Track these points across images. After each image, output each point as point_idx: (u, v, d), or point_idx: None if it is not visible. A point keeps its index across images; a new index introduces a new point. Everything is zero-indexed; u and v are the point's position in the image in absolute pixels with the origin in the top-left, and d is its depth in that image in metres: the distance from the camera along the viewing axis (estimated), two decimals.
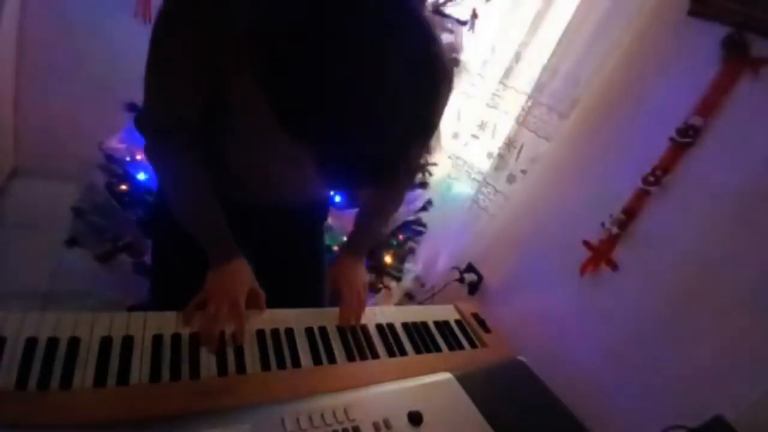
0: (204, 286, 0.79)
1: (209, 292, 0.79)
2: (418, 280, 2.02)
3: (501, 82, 1.76)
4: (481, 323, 1.05)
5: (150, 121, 0.75)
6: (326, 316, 0.90)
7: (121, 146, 1.45)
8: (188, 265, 0.81)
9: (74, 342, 0.67)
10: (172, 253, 0.94)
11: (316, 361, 0.80)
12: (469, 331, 1.03)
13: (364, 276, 0.99)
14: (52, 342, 0.65)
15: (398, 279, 1.87)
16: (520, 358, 0.95)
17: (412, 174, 1.03)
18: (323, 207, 1.15)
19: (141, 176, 1.41)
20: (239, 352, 0.75)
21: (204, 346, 0.73)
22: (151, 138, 0.77)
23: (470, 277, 1.77)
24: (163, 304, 0.80)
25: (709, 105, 1.15)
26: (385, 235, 1.67)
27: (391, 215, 1.15)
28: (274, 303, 0.86)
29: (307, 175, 0.85)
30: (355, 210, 1.63)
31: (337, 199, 1.55)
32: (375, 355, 0.86)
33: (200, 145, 0.78)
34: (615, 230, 1.30)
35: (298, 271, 1.06)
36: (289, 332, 0.83)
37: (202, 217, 0.82)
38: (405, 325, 0.96)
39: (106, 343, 0.68)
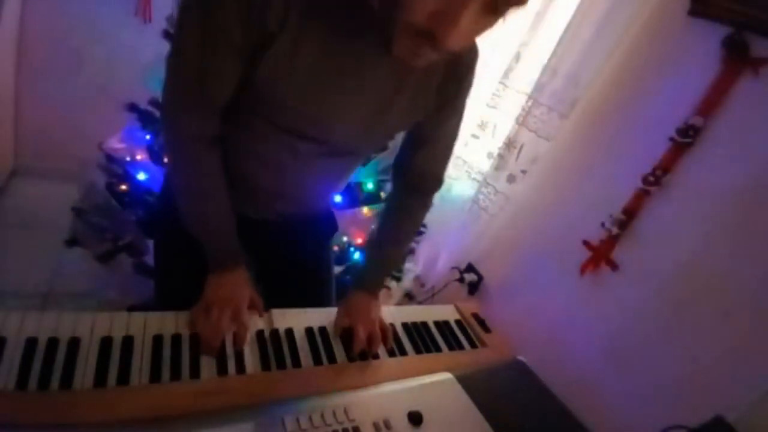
0: (203, 294, 0.78)
1: (210, 299, 0.77)
2: (418, 280, 2.02)
3: (501, 82, 1.76)
4: (481, 323, 1.05)
5: (180, 107, 0.68)
6: (326, 316, 0.89)
7: (121, 146, 1.45)
8: (194, 266, 0.79)
9: (74, 342, 0.66)
10: (178, 254, 0.91)
11: (316, 361, 0.80)
12: (469, 331, 1.03)
13: (380, 312, 0.91)
14: (52, 342, 0.65)
15: (398, 279, 1.87)
16: (520, 358, 0.95)
17: (440, 178, 0.95)
18: (331, 221, 1.10)
19: (141, 176, 1.41)
20: (239, 353, 0.75)
21: (204, 355, 0.72)
22: (176, 132, 0.71)
23: (470, 277, 1.77)
24: (169, 305, 0.78)
25: (709, 105, 1.15)
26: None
27: (411, 239, 1.02)
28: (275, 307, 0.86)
29: (314, 180, 0.85)
30: (354, 210, 1.65)
31: (338, 199, 1.55)
32: (375, 355, 0.86)
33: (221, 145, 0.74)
34: (615, 230, 1.30)
35: (303, 279, 1.03)
36: (289, 332, 0.83)
37: (214, 218, 0.78)
38: (405, 325, 0.96)
39: (106, 343, 0.68)
